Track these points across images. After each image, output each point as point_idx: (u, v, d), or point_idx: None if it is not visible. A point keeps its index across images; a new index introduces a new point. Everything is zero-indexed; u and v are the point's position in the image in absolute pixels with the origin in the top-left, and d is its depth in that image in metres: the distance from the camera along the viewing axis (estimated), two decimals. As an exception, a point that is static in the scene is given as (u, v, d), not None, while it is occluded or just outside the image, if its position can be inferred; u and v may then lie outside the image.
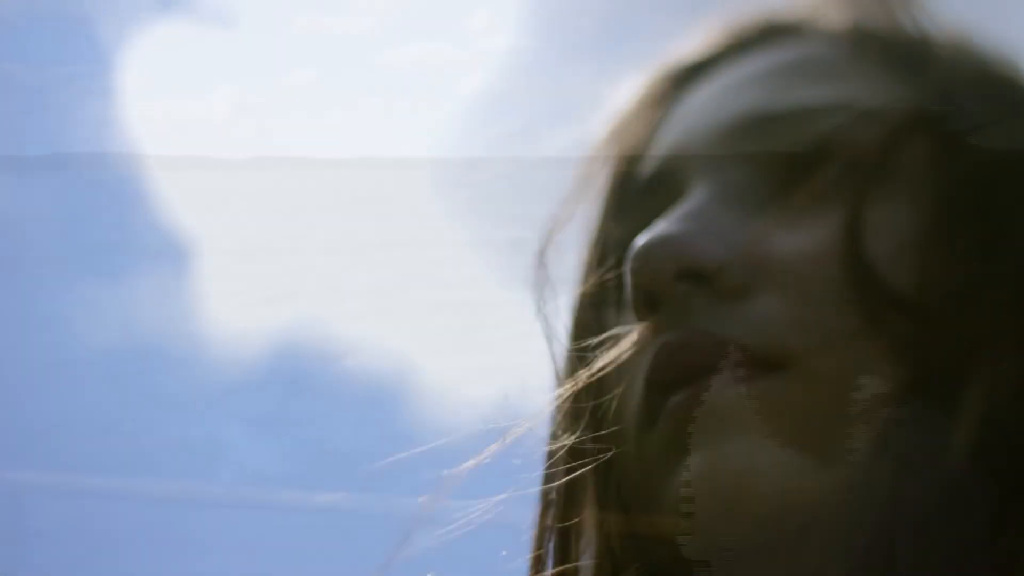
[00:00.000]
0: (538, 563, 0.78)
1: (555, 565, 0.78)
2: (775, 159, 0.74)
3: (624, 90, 0.84)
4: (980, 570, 0.66)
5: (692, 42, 0.82)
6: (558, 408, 0.79)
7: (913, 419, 0.68)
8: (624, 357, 0.74)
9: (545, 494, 0.78)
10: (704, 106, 0.78)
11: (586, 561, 0.78)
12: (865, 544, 0.67)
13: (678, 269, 0.71)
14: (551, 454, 0.78)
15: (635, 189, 0.79)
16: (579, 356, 0.77)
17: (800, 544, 0.68)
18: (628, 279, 0.72)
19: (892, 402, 0.68)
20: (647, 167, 0.79)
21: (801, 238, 0.71)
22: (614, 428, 0.74)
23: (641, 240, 0.72)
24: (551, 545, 0.78)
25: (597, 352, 0.76)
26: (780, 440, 0.68)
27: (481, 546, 0.78)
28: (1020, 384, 0.68)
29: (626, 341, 0.74)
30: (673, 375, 0.70)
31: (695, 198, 0.74)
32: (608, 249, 0.79)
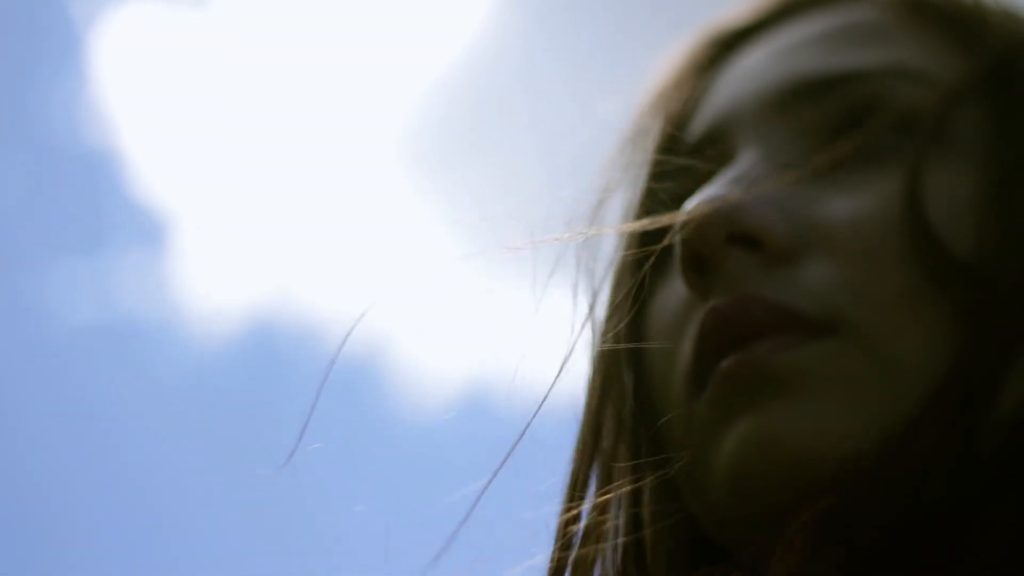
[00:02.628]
0: (567, 536, 0.76)
1: (588, 540, 0.76)
2: (827, 123, 0.73)
3: (670, 56, 0.84)
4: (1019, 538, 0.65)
5: (740, 7, 0.82)
6: (600, 376, 0.78)
7: (966, 386, 0.67)
8: (671, 320, 0.73)
9: (579, 468, 0.77)
10: (754, 70, 0.78)
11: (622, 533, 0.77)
12: (915, 511, 0.66)
13: (728, 233, 0.70)
14: (590, 423, 0.78)
15: (682, 154, 0.78)
16: (623, 323, 0.77)
17: (851, 509, 0.67)
18: (677, 244, 0.71)
19: (946, 368, 0.67)
20: (695, 132, 0.78)
21: (855, 202, 0.70)
22: (661, 395, 0.74)
23: (691, 204, 0.71)
24: (584, 520, 0.76)
25: (643, 318, 0.76)
26: (833, 405, 0.67)
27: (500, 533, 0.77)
28: None
29: (672, 304, 0.73)
30: (723, 340, 0.69)
31: (745, 162, 0.73)
32: (655, 215, 0.77)
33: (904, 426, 0.66)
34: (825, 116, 0.74)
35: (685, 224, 0.71)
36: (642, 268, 0.76)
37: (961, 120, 0.73)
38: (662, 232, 0.74)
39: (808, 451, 0.67)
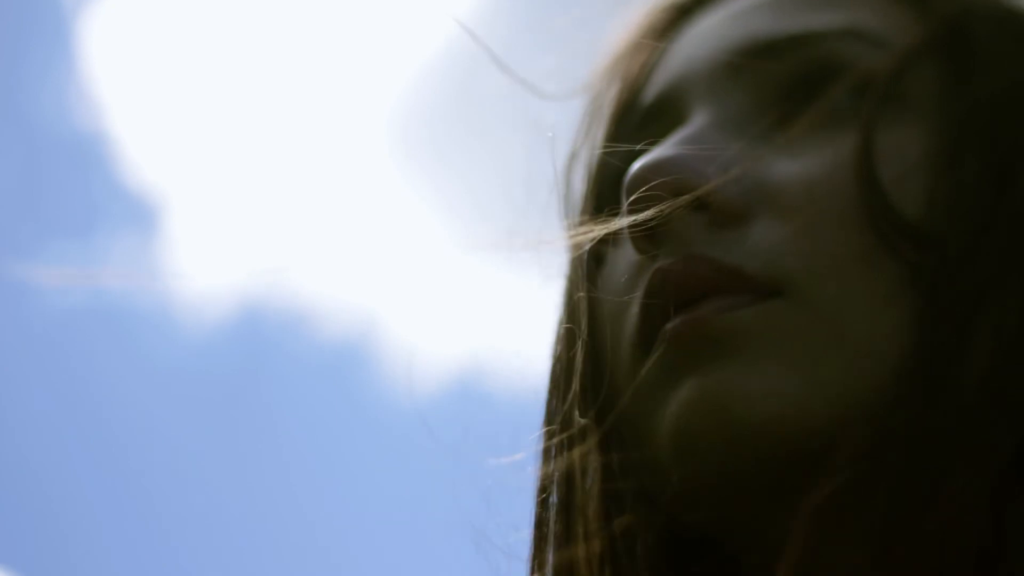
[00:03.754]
0: (544, 503, 0.75)
1: (559, 502, 0.74)
2: (779, 84, 0.73)
3: (628, 22, 0.83)
4: (981, 507, 0.63)
5: None
6: (557, 340, 0.77)
7: (917, 350, 0.66)
8: (620, 283, 0.72)
9: (548, 433, 0.76)
10: (708, 34, 0.77)
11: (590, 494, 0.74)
12: (861, 475, 0.64)
13: (675, 193, 0.69)
14: (552, 390, 0.77)
15: (636, 118, 0.77)
16: (578, 287, 0.76)
17: (795, 473, 0.65)
18: (624, 204, 0.70)
19: (896, 331, 0.66)
20: (648, 95, 0.77)
21: (806, 163, 0.69)
22: (612, 361, 0.72)
23: (638, 165, 0.70)
24: (555, 483, 0.75)
25: (596, 280, 0.75)
26: (777, 367, 0.66)
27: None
28: None
29: (622, 267, 0.72)
30: (669, 300, 0.68)
31: (695, 124, 0.72)
32: (608, 179, 0.77)
33: (868, 392, 0.66)
34: (777, 77, 0.73)
35: (631, 184, 0.70)
36: (595, 232, 0.75)
37: (914, 82, 0.72)
38: (613, 196, 0.73)
39: (751, 413, 0.66)
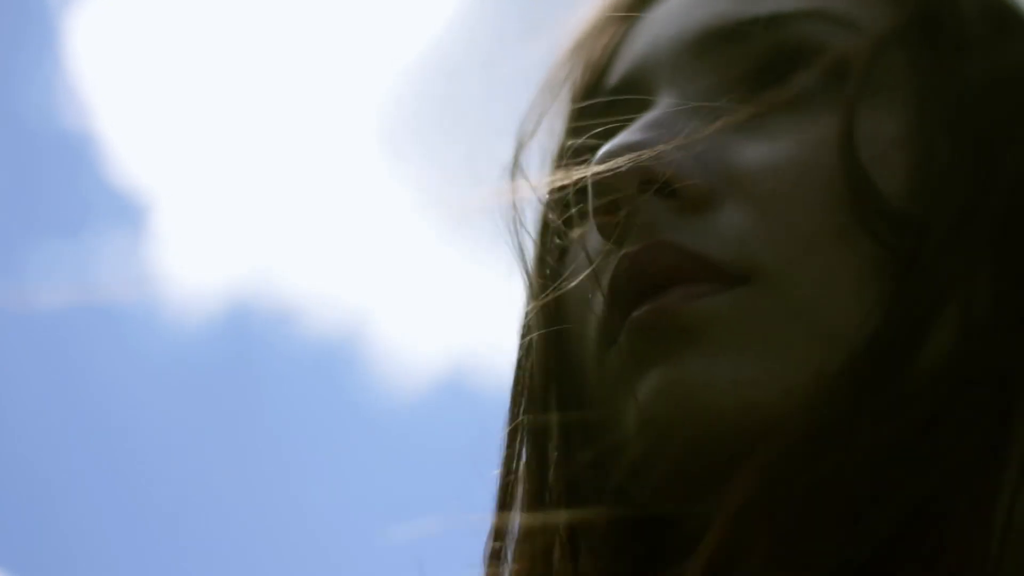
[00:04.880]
0: (507, 491, 0.74)
1: (524, 489, 0.73)
2: (746, 66, 0.72)
3: (592, 2, 0.82)
4: (949, 494, 0.63)
5: None
6: (524, 327, 0.76)
7: (885, 335, 0.65)
8: (585, 271, 0.71)
9: (512, 420, 0.75)
10: (673, 14, 0.75)
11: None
12: (829, 464, 0.63)
13: (641, 179, 0.68)
14: (517, 377, 0.76)
15: (600, 101, 0.76)
16: (544, 273, 0.75)
17: (764, 462, 0.64)
18: (590, 192, 0.69)
19: (867, 317, 0.65)
20: (613, 78, 0.76)
21: (775, 147, 0.68)
22: (579, 351, 0.71)
23: (603, 150, 0.69)
24: (519, 468, 0.74)
25: (560, 268, 0.73)
26: (747, 355, 0.65)
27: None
28: (1001, 305, 0.67)
29: (588, 255, 0.71)
30: (635, 289, 0.67)
31: (661, 107, 0.71)
32: (573, 163, 0.75)
33: (828, 378, 0.65)
34: (744, 59, 0.72)
35: (598, 171, 0.68)
36: (561, 217, 0.74)
37: (887, 66, 0.71)
38: (579, 181, 0.72)
39: (720, 402, 0.65)
